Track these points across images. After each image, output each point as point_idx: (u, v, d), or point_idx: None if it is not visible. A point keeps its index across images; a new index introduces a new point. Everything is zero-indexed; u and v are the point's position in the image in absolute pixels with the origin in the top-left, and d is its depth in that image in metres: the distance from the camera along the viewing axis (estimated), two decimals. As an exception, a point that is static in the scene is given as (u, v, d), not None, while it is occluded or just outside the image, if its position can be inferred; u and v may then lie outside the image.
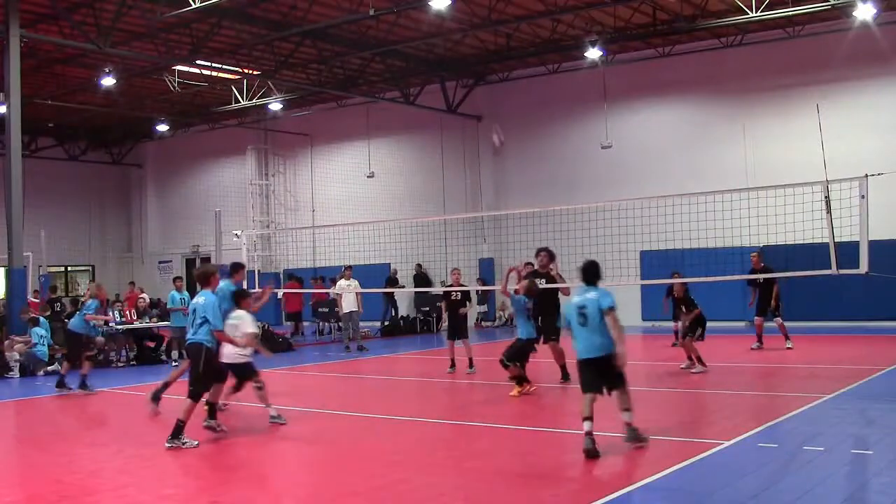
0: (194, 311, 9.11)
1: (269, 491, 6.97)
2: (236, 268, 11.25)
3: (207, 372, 8.91)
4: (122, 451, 8.72)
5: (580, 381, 7.96)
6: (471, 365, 13.88)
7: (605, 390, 7.82)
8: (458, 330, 14.19)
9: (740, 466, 7.25)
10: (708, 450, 7.62)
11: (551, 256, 12.59)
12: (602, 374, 7.77)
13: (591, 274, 8.12)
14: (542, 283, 12.00)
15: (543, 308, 12.23)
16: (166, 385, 10.87)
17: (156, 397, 10.79)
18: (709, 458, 7.39)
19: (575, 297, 8.17)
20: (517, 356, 11.25)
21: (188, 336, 9.15)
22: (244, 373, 9.54)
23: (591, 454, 7.41)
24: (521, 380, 11.23)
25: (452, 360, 14.10)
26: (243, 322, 9.38)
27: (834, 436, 8.29)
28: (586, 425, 7.54)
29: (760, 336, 16.08)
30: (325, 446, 8.90)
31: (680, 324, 16.83)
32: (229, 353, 9.28)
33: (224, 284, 10.41)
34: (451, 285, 14.84)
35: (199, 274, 9.59)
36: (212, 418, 9.21)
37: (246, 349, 9.38)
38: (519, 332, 11.45)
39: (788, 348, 15.54)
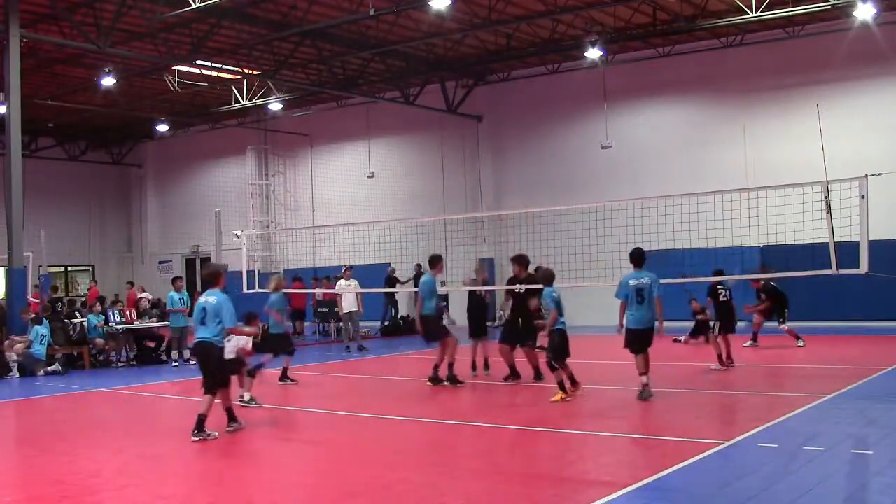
0: (204, 309, 9.15)
1: (268, 491, 6.97)
2: (435, 261, 12.69)
3: (221, 369, 9.24)
4: (122, 451, 8.73)
5: (631, 346, 10.59)
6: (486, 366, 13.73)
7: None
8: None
9: (740, 466, 7.26)
10: (708, 450, 7.62)
11: (519, 261, 12.71)
12: (644, 339, 10.54)
13: (641, 259, 10.84)
14: (521, 288, 12.44)
15: (525, 312, 12.34)
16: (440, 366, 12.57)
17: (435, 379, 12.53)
18: (709, 458, 7.39)
19: (630, 279, 10.61)
20: (561, 350, 10.90)
21: (199, 335, 9.23)
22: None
23: (645, 397, 10.28)
24: (563, 385, 10.88)
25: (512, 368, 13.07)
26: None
27: (834, 436, 8.29)
28: (644, 378, 10.38)
29: (756, 335, 16.32)
30: (325, 446, 8.90)
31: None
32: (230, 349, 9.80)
33: (427, 277, 12.31)
34: (513, 278, 13.27)
35: (207, 274, 9.73)
36: (234, 422, 9.28)
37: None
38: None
39: (800, 346, 15.92)
